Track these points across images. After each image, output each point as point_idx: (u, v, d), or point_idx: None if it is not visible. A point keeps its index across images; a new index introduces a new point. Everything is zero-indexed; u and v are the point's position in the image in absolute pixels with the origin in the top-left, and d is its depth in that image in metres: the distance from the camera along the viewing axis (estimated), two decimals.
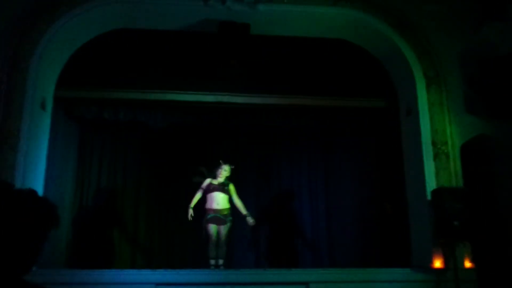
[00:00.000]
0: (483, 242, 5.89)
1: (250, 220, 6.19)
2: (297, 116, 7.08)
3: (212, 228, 6.07)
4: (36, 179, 5.61)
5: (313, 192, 7.65)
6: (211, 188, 6.24)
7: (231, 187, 6.29)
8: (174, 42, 6.56)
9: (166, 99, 6.59)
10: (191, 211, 6.10)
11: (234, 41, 6.25)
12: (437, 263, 5.56)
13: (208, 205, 6.18)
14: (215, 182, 6.28)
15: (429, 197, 5.72)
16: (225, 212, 6.14)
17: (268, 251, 7.41)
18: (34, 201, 1.38)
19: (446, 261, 5.53)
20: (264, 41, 6.61)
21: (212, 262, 6.01)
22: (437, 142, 6.00)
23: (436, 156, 5.95)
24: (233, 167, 6.40)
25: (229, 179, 6.34)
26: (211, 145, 7.45)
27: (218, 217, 6.10)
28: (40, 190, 5.60)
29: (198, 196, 6.23)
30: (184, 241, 7.11)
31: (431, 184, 5.82)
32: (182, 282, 5.30)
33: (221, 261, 6.02)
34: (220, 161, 6.38)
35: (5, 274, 1.28)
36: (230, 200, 6.25)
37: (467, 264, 5.51)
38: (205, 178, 6.42)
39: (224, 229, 6.09)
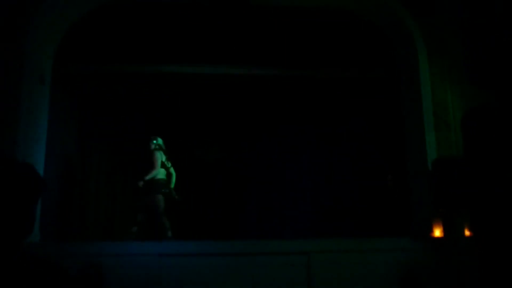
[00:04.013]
0: (483, 211, 5.93)
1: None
2: (298, 87, 7.04)
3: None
4: (36, 154, 5.62)
5: (314, 164, 7.68)
6: None
7: (155, 156, 6.23)
8: (171, 14, 6.46)
9: (163, 71, 6.53)
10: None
11: (233, 11, 6.16)
12: (437, 232, 5.62)
13: None
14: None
15: (429, 167, 5.74)
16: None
17: (269, 222, 7.49)
18: (18, 169, 1.37)
19: (445, 230, 5.58)
20: (263, 11, 6.51)
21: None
22: (438, 113, 5.99)
23: (437, 126, 5.94)
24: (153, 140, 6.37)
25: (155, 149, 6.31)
26: (211, 118, 7.43)
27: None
28: (41, 165, 5.62)
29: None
30: (186, 212, 7.18)
31: (432, 154, 5.83)
32: (184, 253, 5.36)
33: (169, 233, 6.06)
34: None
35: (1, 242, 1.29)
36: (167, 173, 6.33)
37: (466, 233, 5.56)
38: None
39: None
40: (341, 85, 7.08)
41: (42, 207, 5.35)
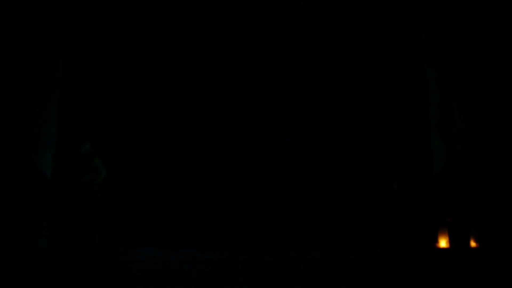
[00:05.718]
0: (490, 222, 5.93)
1: None
2: (299, 87, 6.99)
3: None
4: (45, 156, 5.50)
5: (319, 169, 7.60)
6: None
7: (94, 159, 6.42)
8: (174, 20, 6.36)
9: (171, 77, 6.45)
10: None
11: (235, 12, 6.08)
12: (443, 243, 5.60)
13: None
14: None
15: (436, 176, 5.70)
16: None
17: (272, 228, 7.43)
18: (26, 173, 1.28)
19: (451, 241, 5.56)
20: (264, 11, 6.41)
21: None
22: (446, 122, 5.94)
23: (444, 136, 5.89)
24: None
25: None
26: (211, 118, 7.33)
27: None
28: (49, 166, 5.49)
29: None
30: (186, 213, 7.11)
31: (438, 163, 5.80)
32: (189, 260, 5.26)
33: None
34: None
35: (11, 248, 1.19)
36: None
37: (473, 243, 5.55)
38: None
39: None
40: (344, 87, 7.01)
41: (50, 212, 5.23)
